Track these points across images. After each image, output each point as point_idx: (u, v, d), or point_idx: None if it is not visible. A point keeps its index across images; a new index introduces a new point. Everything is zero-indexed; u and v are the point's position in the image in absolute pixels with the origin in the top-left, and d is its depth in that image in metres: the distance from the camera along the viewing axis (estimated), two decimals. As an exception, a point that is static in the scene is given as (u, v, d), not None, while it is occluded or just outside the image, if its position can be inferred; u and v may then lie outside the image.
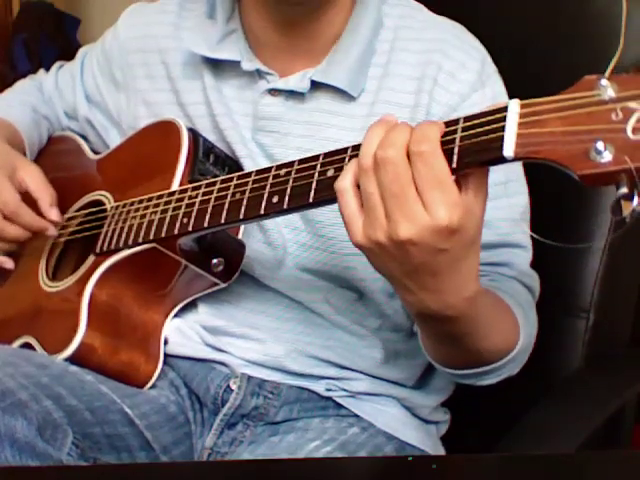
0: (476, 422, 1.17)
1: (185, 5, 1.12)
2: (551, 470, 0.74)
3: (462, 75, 1.00)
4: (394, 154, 0.70)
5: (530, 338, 0.96)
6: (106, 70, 1.18)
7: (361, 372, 1.05)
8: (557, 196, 1.07)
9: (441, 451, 1.11)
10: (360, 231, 0.73)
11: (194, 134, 1.05)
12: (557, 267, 1.12)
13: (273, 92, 1.03)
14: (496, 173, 0.97)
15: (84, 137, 1.24)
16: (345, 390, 1.05)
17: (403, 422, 1.07)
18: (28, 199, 1.10)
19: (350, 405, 1.05)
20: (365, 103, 1.01)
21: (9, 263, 1.14)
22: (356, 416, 1.05)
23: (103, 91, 1.18)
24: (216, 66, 1.06)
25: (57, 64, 1.31)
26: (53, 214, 1.11)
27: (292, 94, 1.02)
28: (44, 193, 1.11)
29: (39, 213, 1.11)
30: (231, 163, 1.05)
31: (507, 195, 0.99)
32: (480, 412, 1.11)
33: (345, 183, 0.74)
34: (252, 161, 1.04)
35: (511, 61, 1.04)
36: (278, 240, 1.03)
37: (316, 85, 1.01)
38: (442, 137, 0.71)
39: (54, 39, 2.65)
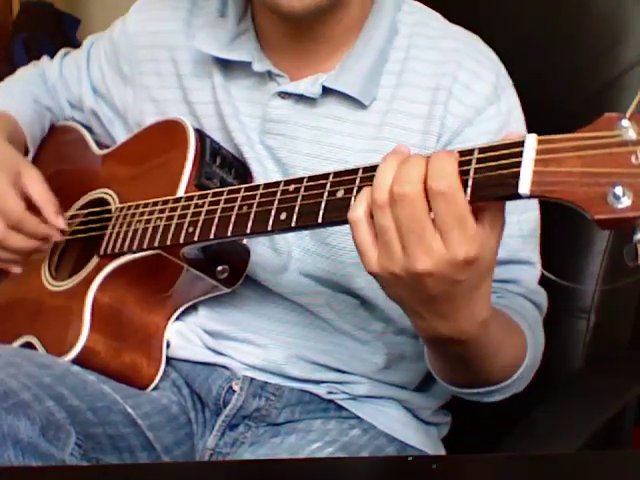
0: (477, 424, 1.17)
1: (197, 2, 1.11)
2: (551, 470, 0.74)
3: (477, 86, 0.98)
4: (410, 190, 0.69)
5: (536, 355, 0.95)
6: (113, 62, 1.16)
7: (362, 376, 1.05)
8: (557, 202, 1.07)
9: (442, 452, 1.11)
10: (375, 261, 0.72)
11: (201, 135, 1.04)
12: (558, 268, 1.12)
13: (283, 95, 1.01)
14: None
15: (88, 128, 1.23)
16: (346, 393, 1.05)
17: (404, 424, 1.07)
18: (30, 204, 1.08)
19: (351, 407, 1.05)
20: (377, 111, 0.99)
21: (15, 268, 1.11)
22: (358, 418, 1.05)
23: (109, 83, 1.17)
24: (226, 66, 1.05)
25: (62, 51, 1.29)
26: (60, 222, 1.08)
27: (302, 98, 1.01)
28: (47, 201, 1.08)
29: (42, 219, 1.08)
30: (238, 165, 1.04)
31: (518, 211, 0.98)
32: (481, 414, 1.11)
33: (359, 214, 0.73)
34: (259, 163, 1.03)
35: (511, 62, 1.04)
36: (284, 247, 1.02)
37: (327, 90, 1.00)
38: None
39: (54, 39, 2.64)
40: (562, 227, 1.13)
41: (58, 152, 1.22)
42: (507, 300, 0.96)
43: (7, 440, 0.84)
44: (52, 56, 1.31)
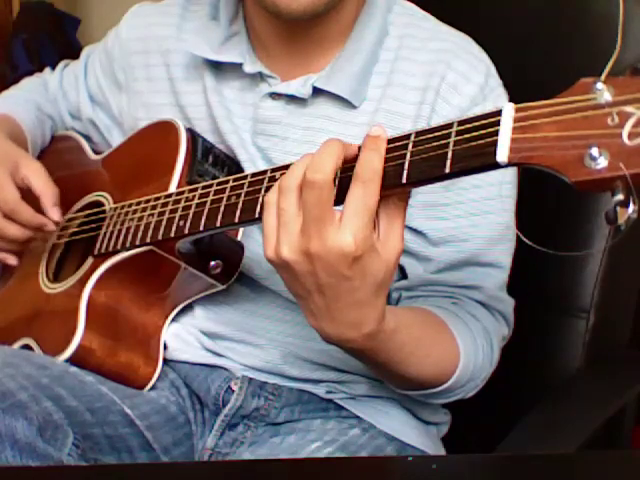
0: (476, 423, 1.17)
1: (188, 7, 1.11)
2: (551, 470, 0.73)
3: (464, 88, 0.99)
4: (322, 177, 0.70)
5: (476, 364, 0.94)
6: (108, 71, 1.18)
7: (361, 375, 1.05)
8: (557, 197, 1.07)
9: (442, 452, 1.11)
10: (272, 246, 0.74)
11: (192, 134, 1.05)
12: (557, 268, 1.13)
13: (274, 96, 1.02)
14: (473, 190, 0.98)
15: (87, 137, 1.24)
16: (345, 392, 1.05)
17: (404, 423, 1.07)
18: (30, 197, 1.09)
19: (351, 407, 1.05)
20: (367, 111, 1.00)
21: (12, 259, 1.12)
22: (357, 417, 1.05)
23: (106, 92, 1.18)
24: (218, 68, 1.06)
25: (62, 63, 1.31)
26: (55, 213, 1.09)
27: (293, 99, 1.01)
28: (47, 191, 1.09)
29: (40, 211, 1.09)
30: (230, 163, 1.04)
31: (490, 212, 0.98)
32: (480, 413, 1.11)
33: (271, 197, 0.74)
34: (253, 165, 1.03)
35: (511, 62, 1.04)
36: None
37: (318, 91, 1.00)
38: (436, 141, 0.70)
39: (54, 39, 2.65)
40: (561, 225, 1.14)
41: (56, 159, 1.23)
42: (457, 307, 0.96)
43: (5, 440, 0.84)
44: (52, 56, 1.32)
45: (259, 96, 1.03)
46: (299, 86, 1.01)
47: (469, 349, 0.93)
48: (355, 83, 0.99)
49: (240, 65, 1.02)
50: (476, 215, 0.98)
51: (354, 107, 1.00)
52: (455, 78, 0.99)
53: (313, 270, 0.73)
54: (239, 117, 1.04)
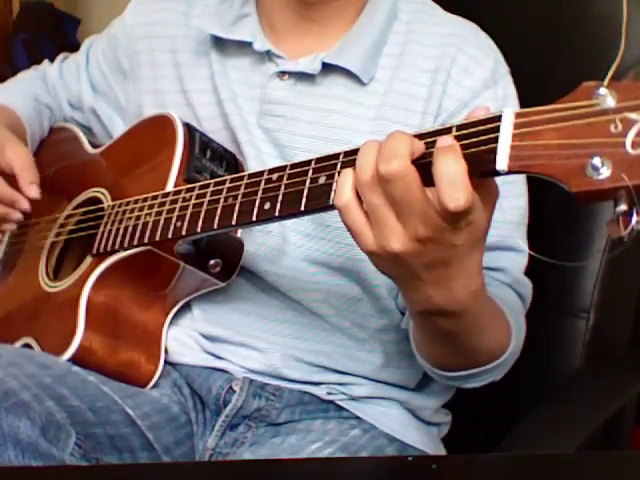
0: (477, 423, 1.17)
1: None
2: (551, 470, 0.74)
3: (476, 71, 1.00)
4: (398, 165, 0.67)
5: (519, 345, 0.95)
6: (112, 60, 1.17)
7: (361, 377, 1.05)
8: (557, 196, 1.07)
9: (442, 452, 1.11)
10: (371, 241, 0.71)
11: (190, 129, 1.04)
12: (557, 267, 1.13)
13: (282, 75, 1.02)
14: None
15: (88, 129, 1.24)
16: (346, 394, 1.05)
17: (404, 424, 1.07)
18: (14, 181, 1.09)
19: (352, 407, 1.05)
20: (377, 93, 1.00)
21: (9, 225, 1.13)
22: (358, 418, 1.05)
23: (111, 80, 1.18)
24: (224, 50, 1.06)
25: (61, 55, 1.30)
26: (32, 191, 1.09)
27: (301, 78, 1.01)
28: (25, 171, 1.09)
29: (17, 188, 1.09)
30: (229, 157, 1.04)
31: (508, 196, 0.98)
32: (481, 413, 1.11)
33: (346, 198, 0.71)
34: (253, 147, 1.03)
35: (511, 61, 1.04)
36: (277, 229, 1.01)
37: (327, 69, 1.00)
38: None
39: (54, 39, 2.65)
40: (561, 226, 1.14)
41: (53, 152, 1.22)
42: (492, 288, 0.95)
43: (7, 440, 0.84)
44: (52, 56, 1.33)
45: (266, 76, 1.03)
46: (308, 63, 1.01)
47: (514, 324, 0.93)
48: (364, 59, 1.00)
49: (249, 45, 1.03)
50: (500, 199, 0.97)
51: (363, 85, 1.00)
52: (466, 61, 1.00)
53: (424, 252, 0.70)
54: (245, 99, 1.04)
